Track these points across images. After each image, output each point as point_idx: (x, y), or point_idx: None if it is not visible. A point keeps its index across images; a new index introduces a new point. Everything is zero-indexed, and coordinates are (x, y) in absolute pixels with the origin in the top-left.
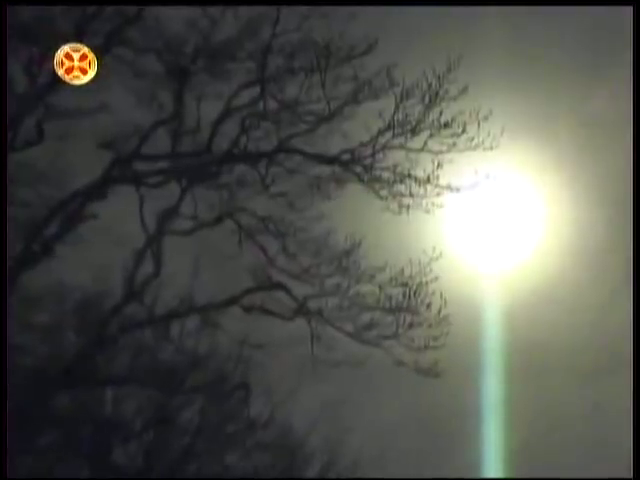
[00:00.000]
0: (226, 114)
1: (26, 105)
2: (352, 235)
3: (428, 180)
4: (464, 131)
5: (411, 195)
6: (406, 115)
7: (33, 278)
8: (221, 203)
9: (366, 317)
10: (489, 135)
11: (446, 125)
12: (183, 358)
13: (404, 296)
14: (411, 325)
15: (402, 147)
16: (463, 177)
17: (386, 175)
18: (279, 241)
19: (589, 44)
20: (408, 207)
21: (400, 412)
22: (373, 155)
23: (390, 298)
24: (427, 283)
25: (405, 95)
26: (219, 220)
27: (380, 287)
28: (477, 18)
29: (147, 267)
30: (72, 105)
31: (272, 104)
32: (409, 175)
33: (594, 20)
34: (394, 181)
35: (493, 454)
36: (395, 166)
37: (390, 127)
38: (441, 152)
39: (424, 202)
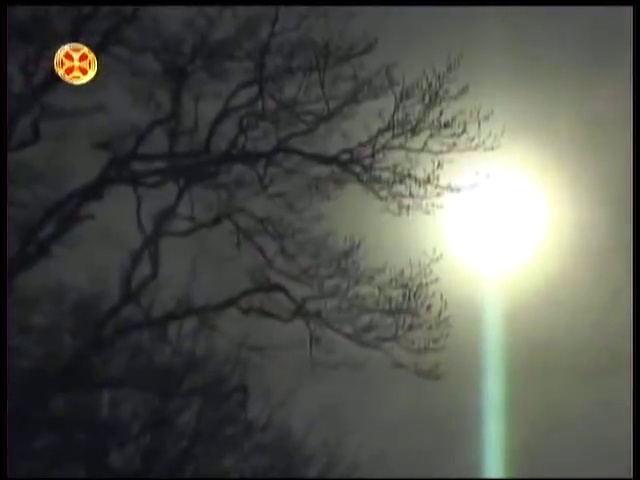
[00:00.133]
0: (224, 114)
1: (22, 105)
2: (351, 236)
3: (428, 180)
4: (464, 131)
5: (411, 196)
6: (406, 115)
7: (29, 279)
8: (219, 204)
9: (365, 319)
10: (490, 135)
11: (446, 125)
12: (180, 360)
13: (404, 298)
14: (411, 327)
15: (402, 147)
16: (463, 177)
17: (386, 175)
18: (277, 242)
19: (590, 43)
20: (408, 208)
21: (400, 415)
22: (373, 155)
23: (390, 300)
24: (427, 284)
25: (405, 94)
26: (217, 221)
27: (380, 288)
28: (477, 17)
29: (144, 268)
30: (68, 105)
31: (270, 104)
32: (409, 175)
33: (595, 19)
34: (394, 181)
35: (494, 458)
36: (395, 166)
37: (390, 127)
38: (441, 152)
39: (424, 203)
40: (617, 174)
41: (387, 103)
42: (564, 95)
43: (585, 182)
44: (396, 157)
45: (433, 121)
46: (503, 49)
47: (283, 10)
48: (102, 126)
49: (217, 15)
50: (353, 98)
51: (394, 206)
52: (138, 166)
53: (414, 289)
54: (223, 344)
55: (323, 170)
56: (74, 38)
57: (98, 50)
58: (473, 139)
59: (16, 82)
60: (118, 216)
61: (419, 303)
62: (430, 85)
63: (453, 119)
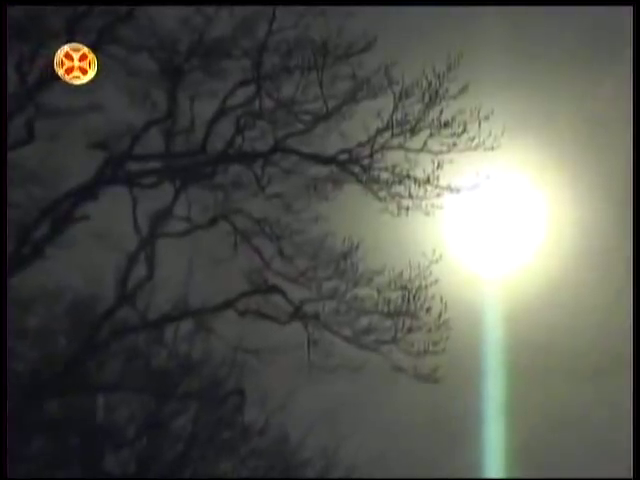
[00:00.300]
0: (221, 113)
1: (16, 104)
2: (350, 237)
3: (428, 181)
4: (464, 131)
5: (410, 196)
6: (405, 114)
7: (23, 280)
8: (216, 204)
9: (364, 321)
10: (490, 135)
11: (446, 125)
12: (177, 363)
13: (403, 300)
14: (410, 329)
15: (401, 147)
16: (464, 178)
17: (385, 176)
18: (275, 243)
19: (590, 41)
20: (407, 208)
21: (400, 417)
22: (371, 155)
23: (389, 302)
24: (427, 286)
25: (404, 94)
26: (214, 222)
27: (378, 291)
28: (478, 16)
29: (140, 270)
30: (63, 104)
31: (268, 103)
32: (408, 176)
33: (595, 17)
34: (393, 182)
35: (494, 461)
36: (394, 166)
37: (389, 127)
38: (441, 152)
39: (424, 203)
40: (619, 173)
41: (386, 102)
42: (565, 94)
43: (587, 182)
44: (395, 157)
45: (433, 121)
46: (504, 48)
47: (281, 8)
48: (97, 126)
49: (214, 13)
50: (352, 97)
51: (393, 207)
52: (134, 166)
53: (413, 291)
54: (220, 347)
55: (321, 170)
56: (69, 37)
57: (93, 49)
58: (473, 139)
59: (10, 81)
60: (113, 217)
61: (418, 305)
62: (430, 84)
63: (453, 119)
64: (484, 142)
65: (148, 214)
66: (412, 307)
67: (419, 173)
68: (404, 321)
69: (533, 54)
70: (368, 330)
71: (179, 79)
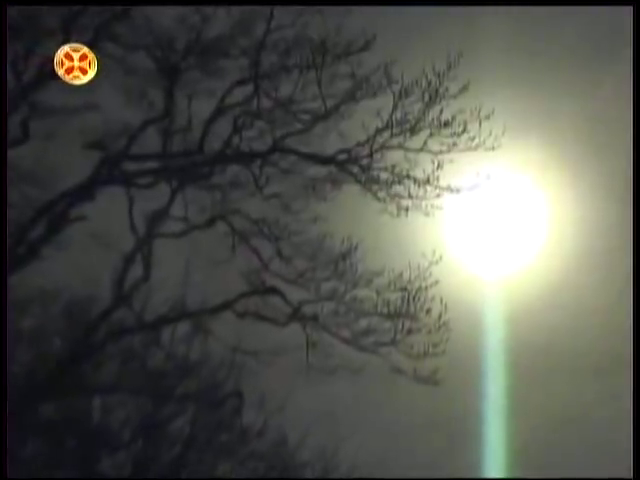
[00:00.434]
0: (218, 113)
1: (11, 103)
2: (349, 238)
3: (428, 181)
4: (465, 130)
5: (410, 197)
6: (405, 114)
7: (19, 281)
8: (213, 205)
9: (363, 323)
10: (491, 134)
11: (446, 124)
12: (174, 365)
13: (403, 301)
14: (410, 331)
15: (401, 147)
16: (464, 178)
17: (384, 176)
18: (273, 244)
19: (591, 40)
20: (407, 209)
21: (399, 418)
22: (371, 155)
23: (388, 303)
24: (427, 288)
25: (404, 93)
26: (211, 222)
27: (378, 292)
28: (478, 14)
29: (137, 271)
30: (59, 103)
31: (266, 102)
32: (408, 176)
33: (595, 17)
34: (392, 182)
35: (495, 462)
36: (393, 166)
37: (388, 126)
38: (441, 152)
39: (423, 204)
40: (620, 173)
41: (386, 102)
42: (566, 93)
43: (588, 181)
44: (395, 157)
45: (433, 120)
46: (504, 47)
47: (279, 6)
48: (94, 125)
49: (211, 12)
50: (351, 97)
51: (393, 207)
52: (130, 166)
53: (413, 292)
54: (218, 348)
55: (320, 170)
56: (65, 35)
57: (89, 47)
58: (474, 139)
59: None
60: (110, 217)
61: (418, 307)
62: (430, 83)
63: (453, 118)
64: (484, 142)
65: (145, 214)
66: (412, 308)
67: (419, 173)
68: (404, 322)
69: (534, 53)
70: (367, 331)
71: (176, 78)
